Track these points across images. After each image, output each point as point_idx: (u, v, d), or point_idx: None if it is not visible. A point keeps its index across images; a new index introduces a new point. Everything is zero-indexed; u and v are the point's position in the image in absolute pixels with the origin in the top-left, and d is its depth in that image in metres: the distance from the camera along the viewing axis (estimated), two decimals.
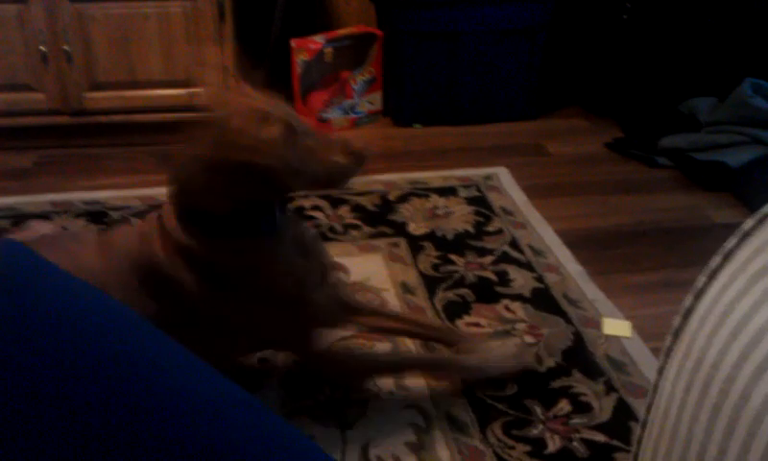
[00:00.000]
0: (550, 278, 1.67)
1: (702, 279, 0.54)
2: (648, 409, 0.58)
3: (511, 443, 1.19)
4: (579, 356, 1.40)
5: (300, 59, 2.48)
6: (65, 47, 2.32)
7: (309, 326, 1.20)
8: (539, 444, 1.19)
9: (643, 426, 0.59)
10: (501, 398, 1.29)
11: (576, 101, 2.88)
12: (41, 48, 2.32)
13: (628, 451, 1.17)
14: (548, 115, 2.77)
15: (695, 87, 2.55)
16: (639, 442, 0.60)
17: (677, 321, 0.56)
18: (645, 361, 1.38)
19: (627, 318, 1.52)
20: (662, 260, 1.78)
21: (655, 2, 2.51)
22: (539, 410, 1.26)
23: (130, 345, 0.43)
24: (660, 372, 0.57)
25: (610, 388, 1.31)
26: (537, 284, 1.64)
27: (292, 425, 0.47)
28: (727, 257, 0.52)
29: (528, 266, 1.72)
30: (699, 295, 0.53)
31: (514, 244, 1.81)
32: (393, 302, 1.57)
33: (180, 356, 0.45)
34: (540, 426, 1.22)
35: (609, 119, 2.68)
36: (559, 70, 2.88)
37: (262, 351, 1.33)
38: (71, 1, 2.28)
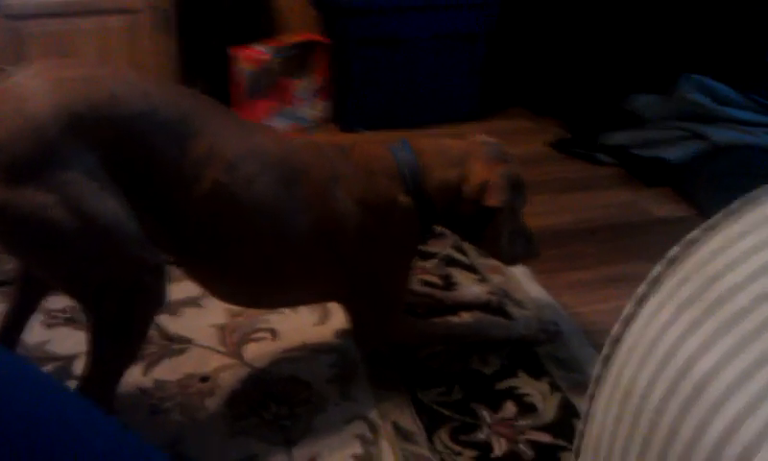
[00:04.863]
0: (494, 279, 1.68)
1: (630, 307, 0.54)
2: (581, 436, 0.58)
3: (458, 449, 1.19)
4: (523, 356, 1.41)
5: (242, 67, 2.44)
6: (2, 66, 2.25)
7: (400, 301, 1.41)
8: (485, 448, 1.19)
9: (576, 455, 0.58)
10: (448, 403, 1.29)
11: (520, 101, 2.90)
12: None
13: (572, 450, 1.18)
14: (492, 116, 2.78)
15: (637, 84, 2.60)
16: None
17: (606, 349, 0.55)
18: (588, 358, 1.40)
19: (571, 315, 1.54)
20: (605, 256, 1.81)
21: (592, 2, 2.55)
22: (485, 414, 1.26)
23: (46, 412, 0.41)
24: (591, 399, 0.57)
25: (554, 387, 1.33)
26: (481, 286, 1.65)
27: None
28: (653, 285, 0.52)
29: (472, 268, 1.72)
30: (627, 322, 0.53)
31: (457, 246, 1.81)
32: (337, 310, 1.55)
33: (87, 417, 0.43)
34: (487, 430, 1.23)
35: (552, 119, 2.71)
36: (502, 71, 2.90)
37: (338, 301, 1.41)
38: (7, 18, 2.20)
